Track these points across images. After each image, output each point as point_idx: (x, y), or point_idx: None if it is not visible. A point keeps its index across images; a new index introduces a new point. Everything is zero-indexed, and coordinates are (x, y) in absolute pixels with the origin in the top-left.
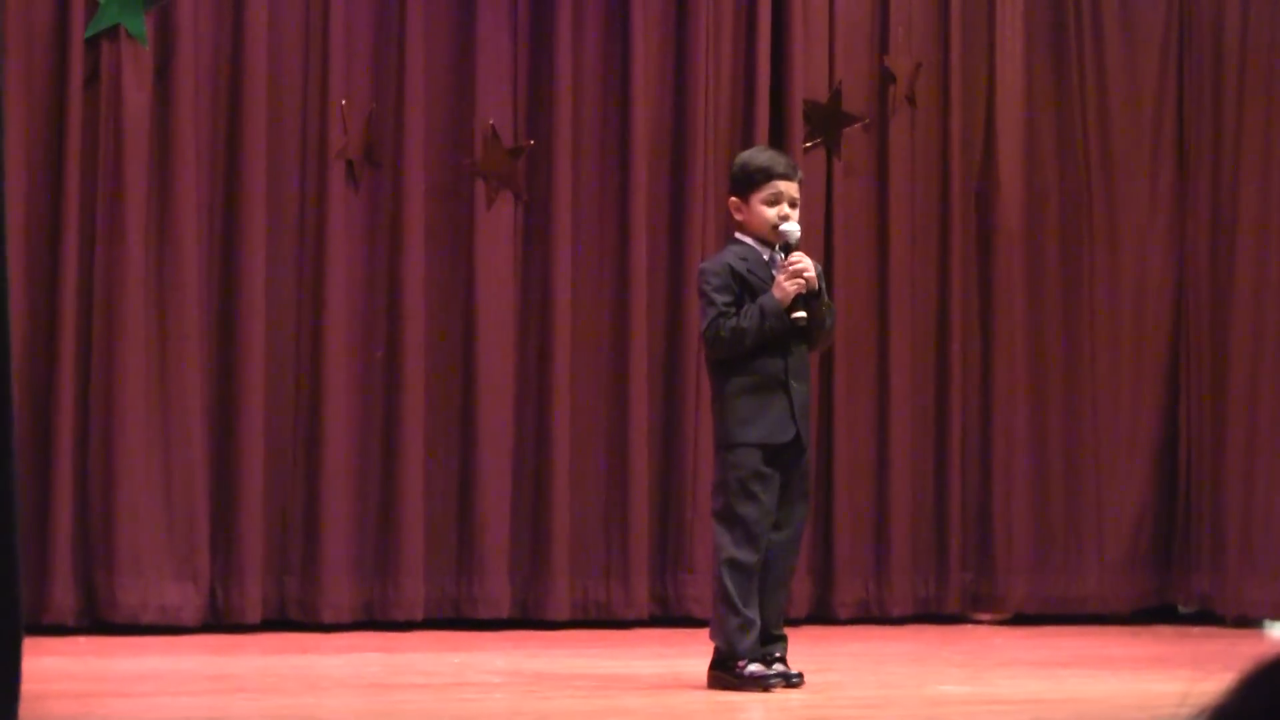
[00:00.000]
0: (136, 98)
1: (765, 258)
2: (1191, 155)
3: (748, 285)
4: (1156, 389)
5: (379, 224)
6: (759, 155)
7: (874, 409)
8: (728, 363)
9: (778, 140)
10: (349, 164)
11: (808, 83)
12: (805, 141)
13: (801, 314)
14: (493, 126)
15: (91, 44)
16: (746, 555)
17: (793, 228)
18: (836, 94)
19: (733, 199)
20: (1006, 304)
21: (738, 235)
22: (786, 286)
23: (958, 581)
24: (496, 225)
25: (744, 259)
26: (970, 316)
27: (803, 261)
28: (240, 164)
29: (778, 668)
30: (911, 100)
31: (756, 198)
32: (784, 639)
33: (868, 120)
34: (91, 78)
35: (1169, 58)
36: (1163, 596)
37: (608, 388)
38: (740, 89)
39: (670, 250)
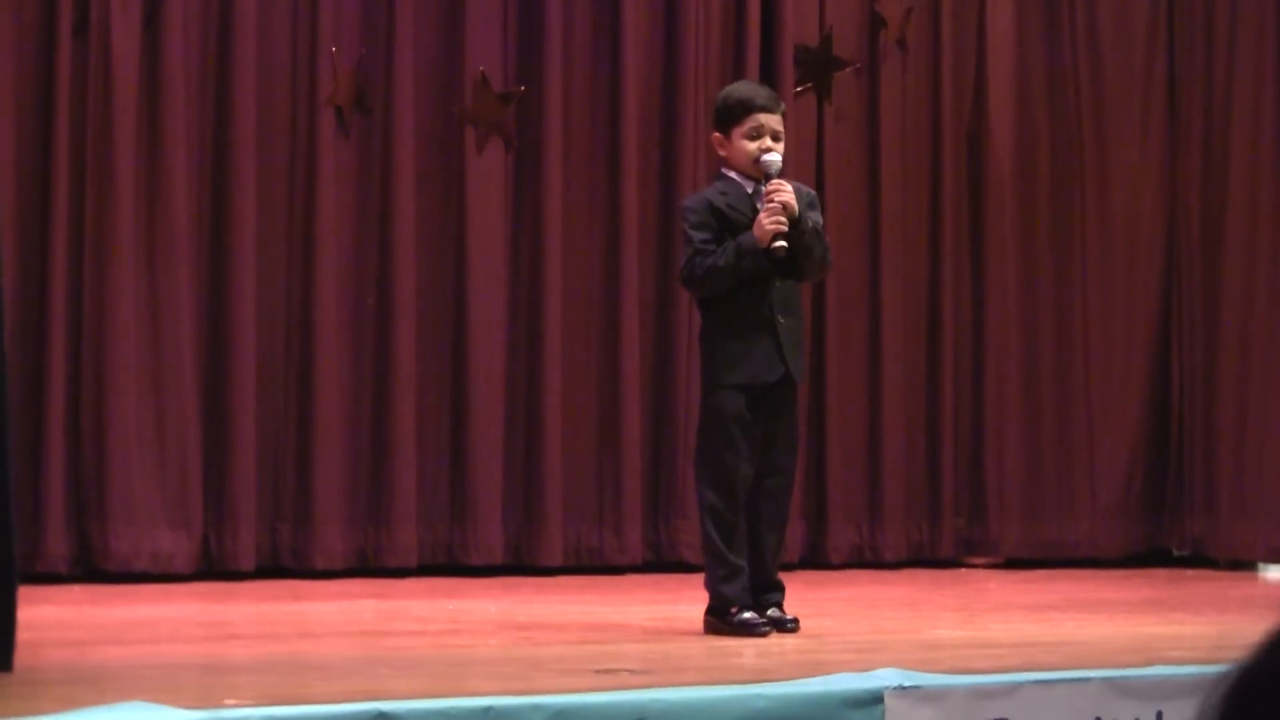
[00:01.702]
0: (125, 46)
1: (749, 191)
2: (1183, 98)
3: (728, 221)
4: (1148, 333)
5: (369, 171)
6: (739, 89)
7: (866, 355)
8: (712, 301)
9: (768, 85)
10: (339, 111)
11: (798, 27)
12: (796, 86)
13: (781, 244)
14: (483, 73)
15: None
16: (726, 502)
17: (774, 158)
18: (827, 39)
19: (715, 134)
20: (998, 249)
21: (722, 171)
22: (766, 225)
23: (950, 527)
24: (487, 172)
25: (725, 194)
26: (962, 261)
27: (783, 188)
28: (230, 111)
29: (773, 613)
30: (902, 45)
31: (738, 131)
32: (781, 587)
33: (859, 65)
34: (80, 26)
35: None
36: (1154, 541)
37: (599, 333)
38: (731, 33)
39: (661, 195)
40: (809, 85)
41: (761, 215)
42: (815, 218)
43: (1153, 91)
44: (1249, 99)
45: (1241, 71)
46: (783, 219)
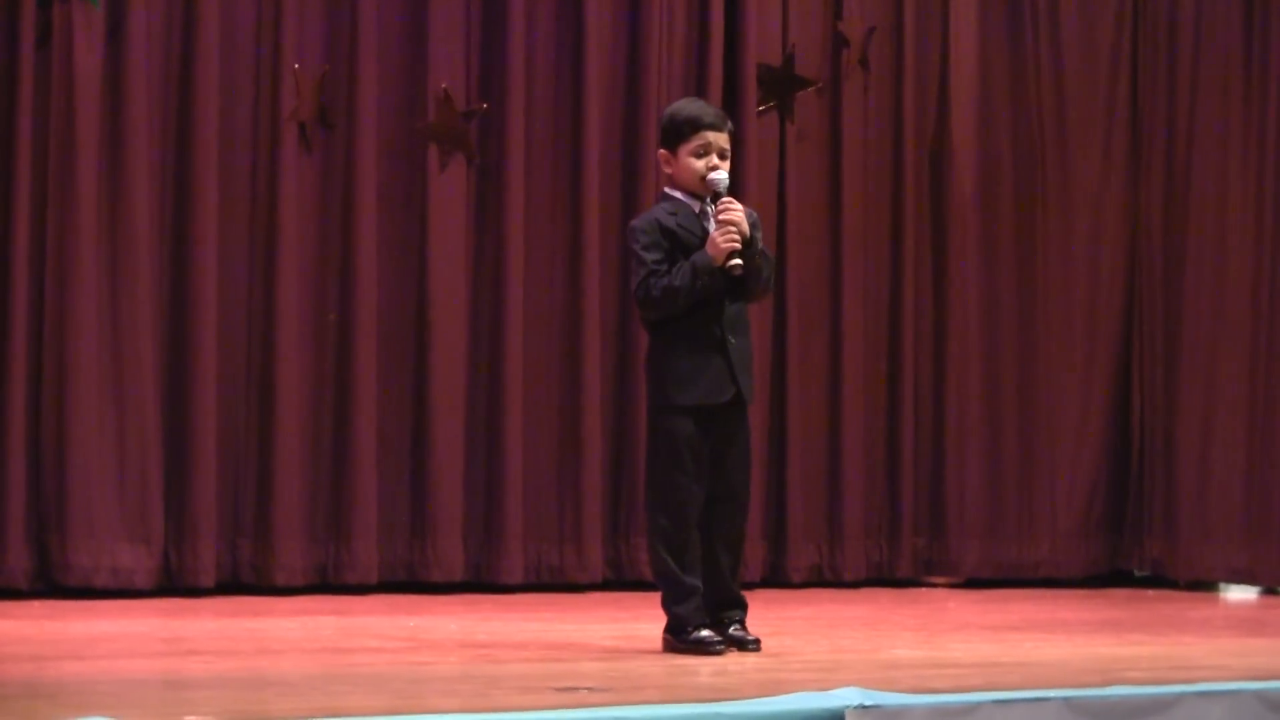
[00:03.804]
0: (88, 60)
1: (696, 210)
2: (1145, 119)
3: (678, 240)
4: (1110, 353)
5: (331, 187)
6: (687, 106)
7: (827, 374)
8: (662, 321)
9: (731, 104)
10: (301, 127)
11: (761, 46)
12: (758, 105)
13: (737, 262)
14: (445, 90)
15: (43, 5)
16: (676, 524)
17: (720, 175)
18: (790, 58)
19: (661, 151)
20: (959, 269)
21: (667, 190)
22: (720, 243)
23: (910, 546)
24: (449, 189)
25: (673, 214)
26: (923, 281)
27: (733, 206)
28: (192, 126)
29: (734, 631)
30: (865, 64)
31: (685, 149)
32: (743, 604)
33: (821, 84)
34: (43, 39)
35: (1124, 22)
36: (1115, 562)
37: (561, 351)
38: (694, 52)
39: (623, 214)
40: (771, 104)
41: (715, 233)
42: (759, 238)
43: (1115, 111)
44: (1212, 120)
45: (1204, 92)
46: (735, 236)
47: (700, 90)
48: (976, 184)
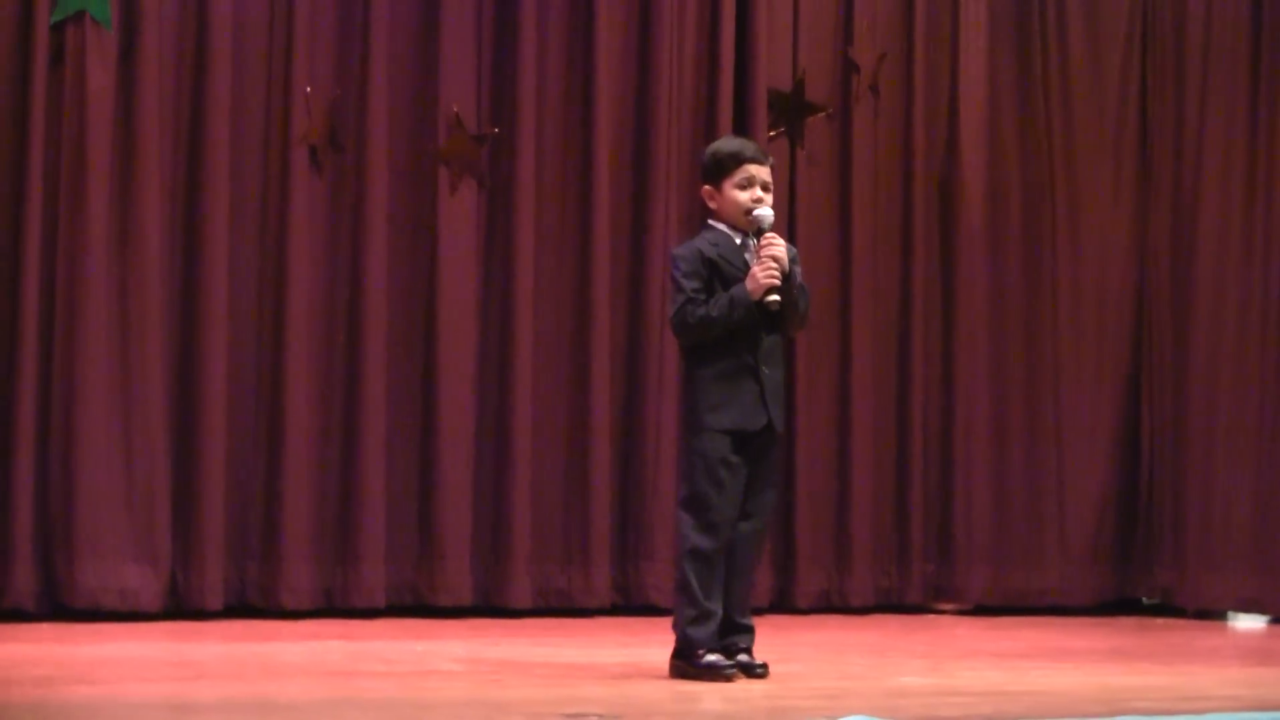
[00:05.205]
0: (100, 81)
1: (738, 243)
2: (1154, 146)
3: (719, 271)
4: (1118, 381)
5: (342, 209)
6: (729, 142)
7: (835, 399)
8: (699, 348)
9: (741, 129)
10: (312, 149)
11: (772, 72)
12: (769, 131)
13: (775, 298)
14: (456, 113)
15: (56, 27)
16: (709, 544)
17: (765, 212)
18: (800, 83)
19: (705, 187)
20: (968, 295)
21: (710, 222)
22: (760, 279)
23: (919, 572)
24: (459, 212)
25: (715, 244)
26: (932, 307)
27: (776, 242)
28: (204, 148)
29: (741, 658)
30: (875, 90)
31: (729, 183)
32: (750, 630)
33: (831, 110)
34: (55, 61)
35: (1132, 48)
36: (1123, 590)
37: (569, 375)
38: (704, 77)
39: (632, 238)
40: (781, 130)
41: (756, 268)
42: (797, 272)
43: (1124, 138)
44: (1220, 147)
45: (1212, 118)
46: (776, 272)
47: (710, 115)
48: (985, 209)
